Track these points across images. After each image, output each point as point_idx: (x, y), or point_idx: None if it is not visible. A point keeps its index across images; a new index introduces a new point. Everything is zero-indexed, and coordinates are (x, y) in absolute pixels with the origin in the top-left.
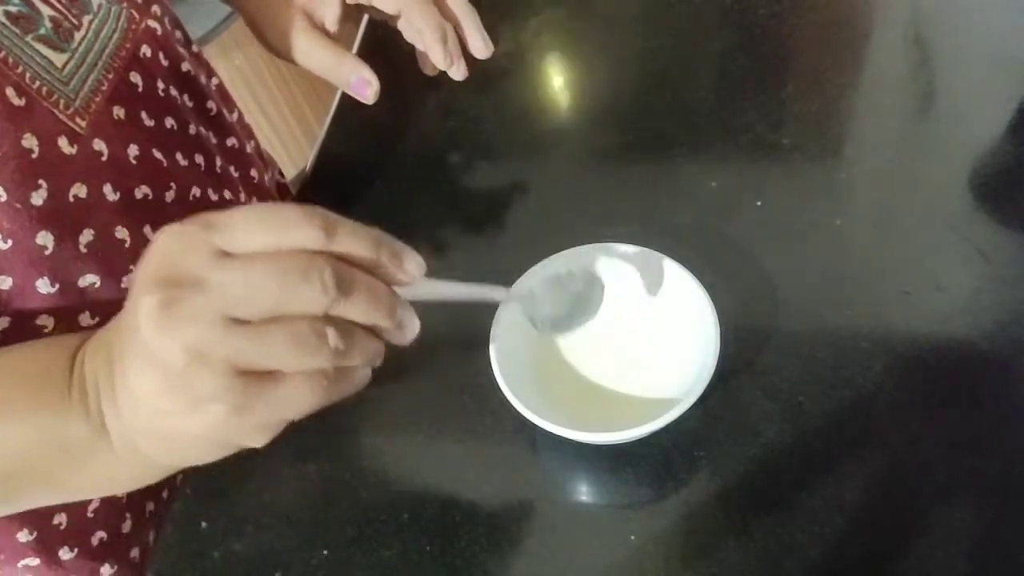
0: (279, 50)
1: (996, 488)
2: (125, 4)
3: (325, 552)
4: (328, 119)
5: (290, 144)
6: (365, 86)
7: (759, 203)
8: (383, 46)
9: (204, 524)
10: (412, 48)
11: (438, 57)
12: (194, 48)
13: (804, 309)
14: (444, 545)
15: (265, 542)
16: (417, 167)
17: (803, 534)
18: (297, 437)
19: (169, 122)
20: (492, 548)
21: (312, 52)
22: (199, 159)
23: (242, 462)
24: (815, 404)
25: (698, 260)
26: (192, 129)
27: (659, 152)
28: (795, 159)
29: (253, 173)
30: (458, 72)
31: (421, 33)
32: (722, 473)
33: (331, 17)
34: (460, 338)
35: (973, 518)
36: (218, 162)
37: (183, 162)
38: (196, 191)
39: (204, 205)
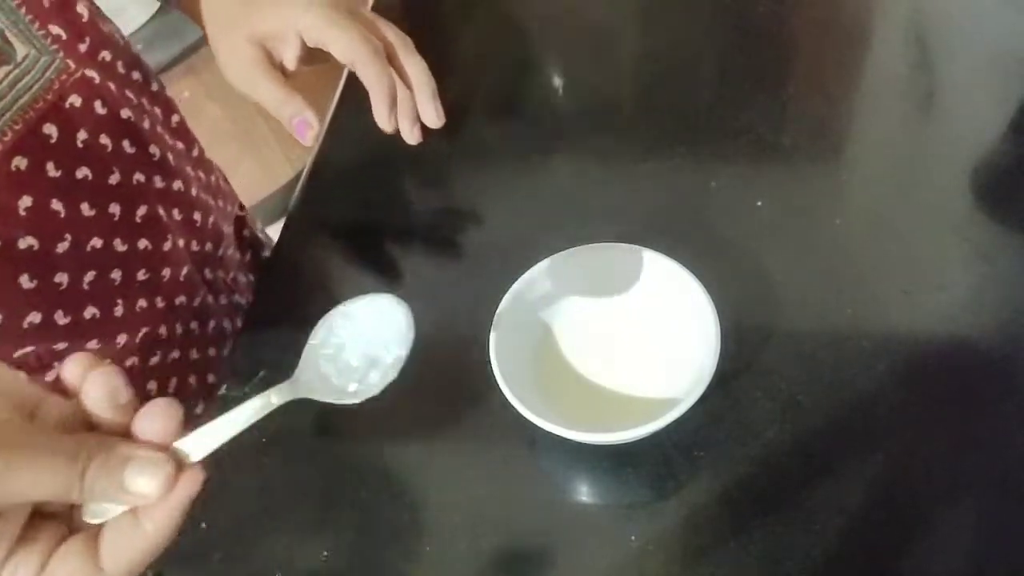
0: (232, 79)
1: (996, 488)
2: (61, 54)
3: (325, 553)
4: (326, 121)
5: (288, 147)
6: (306, 128)
7: (759, 203)
8: None
9: (204, 526)
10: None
11: (381, 119)
12: (154, 87)
13: (804, 309)
14: (444, 546)
15: (265, 544)
16: (415, 167)
17: (803, 534)
18: (296, 439)
19: (82, 172)
20: (492, 549)
21: (262, 87)
22: (113, 208)
23: (242, 464)
24: (815, 404)
25: (698, 260)
26: (114, 178)
27: (659, 152)
28: (795, 159)
29: (196, 216)
30: (410, 136)
31: (369, 90)
32: (722, 473)
33: (290, 57)
34: (460, 338)
35: (973, 518)
36: (142, 210)
37: (88, 212)
38: (97, 242)
39: (104, 255)
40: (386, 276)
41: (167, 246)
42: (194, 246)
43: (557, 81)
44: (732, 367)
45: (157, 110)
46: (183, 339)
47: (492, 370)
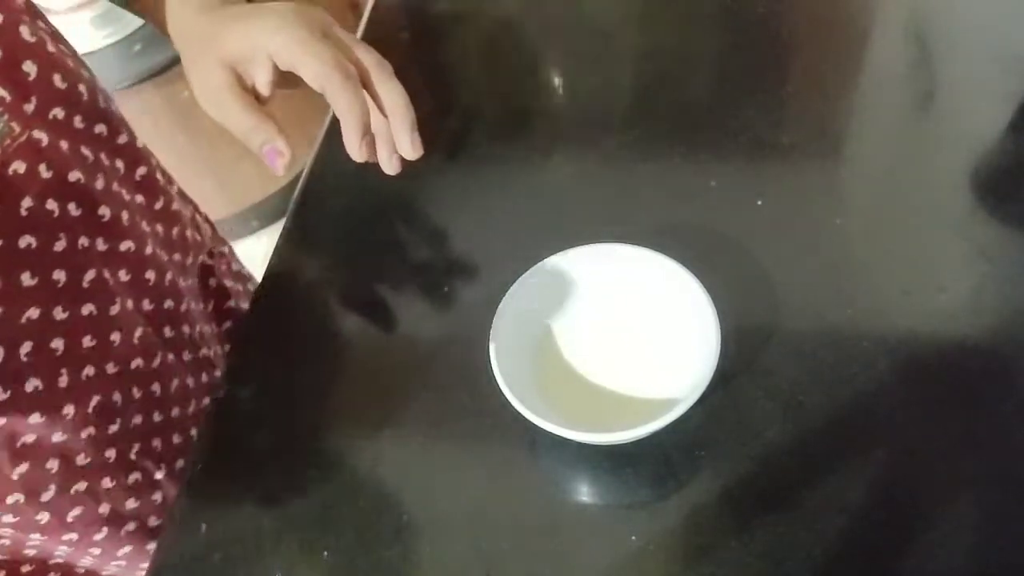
0: (204, 105)
1: (996, 488)
2: (6, 117)
3: (325, 554)
4: (327, 121)
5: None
6: (276, 156)
7: (759, 203)
8: (383, 45)
9: (204, 527)
10: (412, 47)
11: (352, 150)
12: (121, 139)
13: (804, 309)
14: (444, 546)
15: (265, 545)
16: (416, 167)
17: (804, 534)
18: (296, 439)
19: (25, 241)
20: (492, 549)
21: (232, 113)
22: (58, 275)
23: (242, 465)
24: (816, 404)
25: (698, 260)
26: (60, 244)
27: (659, 152)
28: (795, 159)
29: (148, 275)
30: (388, 166)
31: (340, 118)
32: (723, 473)
33: (262, 81)
34: (460, 338)
35: (974, 518)
36: (90, 275)
37: (30, 281)
38: (34, 312)
39: (41, 325)
40: (386, 276)
41: (115, 310)
42: (147, 306)
43: (557, 81)
44: (732, 367)
45: (120, 164)
46: (143, 403)
47: (492, 370)
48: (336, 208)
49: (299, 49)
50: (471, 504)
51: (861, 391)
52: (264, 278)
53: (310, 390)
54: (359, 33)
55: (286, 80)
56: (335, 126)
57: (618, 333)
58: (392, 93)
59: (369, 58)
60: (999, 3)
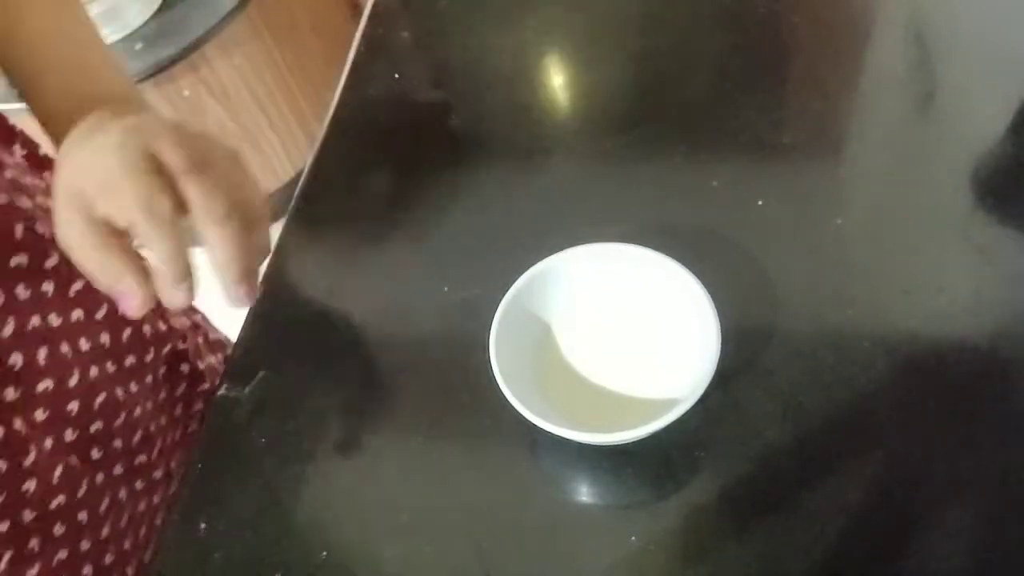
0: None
1: (996, 488)
2: None
3: (324, 553)
4: (328, 118)
5: (289, 144)
6: (126, 299)
7: (760, 203)
8: (383, 44)
9: (204, 526)
10: (413, 47)
11: (166, 298)
12: (50, 263)
13: (804, 309)
14: (444, 546)
15: (265, 544)
16: (416, 167)
17: (804, 534)
18: (296, 439)
19: None
20: (492, 549)
21: (75, 253)
22: None
23: (242, 465)
24: (816, 404)
25: (698, 260)
26: None
27: (659, 152)
28: (795, 159)
29: (71, 407)
30: (228, 301)
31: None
32: (723, 473)
33: (103, 214)
34: (460, 338)
35: (973, 518)
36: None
37: None
38: None
39: None
40: (386, 276)
41: (30, 460)
42: (69, 436)
43: (557, 80)
44: (732, 367)
45: (48, 287)
46: (68, 537)
47: (492, 370)
48: (336, 208)
49: (113, 185)
50: (471, 504)
51: (861, 391)
52: (264, 277)
53: (310, 389)
54: (359, 32)
55: None
56: (336, 125)
57: (618, 333)
58: (215, 239)
59: (196, 194)
60: (999, 4)
